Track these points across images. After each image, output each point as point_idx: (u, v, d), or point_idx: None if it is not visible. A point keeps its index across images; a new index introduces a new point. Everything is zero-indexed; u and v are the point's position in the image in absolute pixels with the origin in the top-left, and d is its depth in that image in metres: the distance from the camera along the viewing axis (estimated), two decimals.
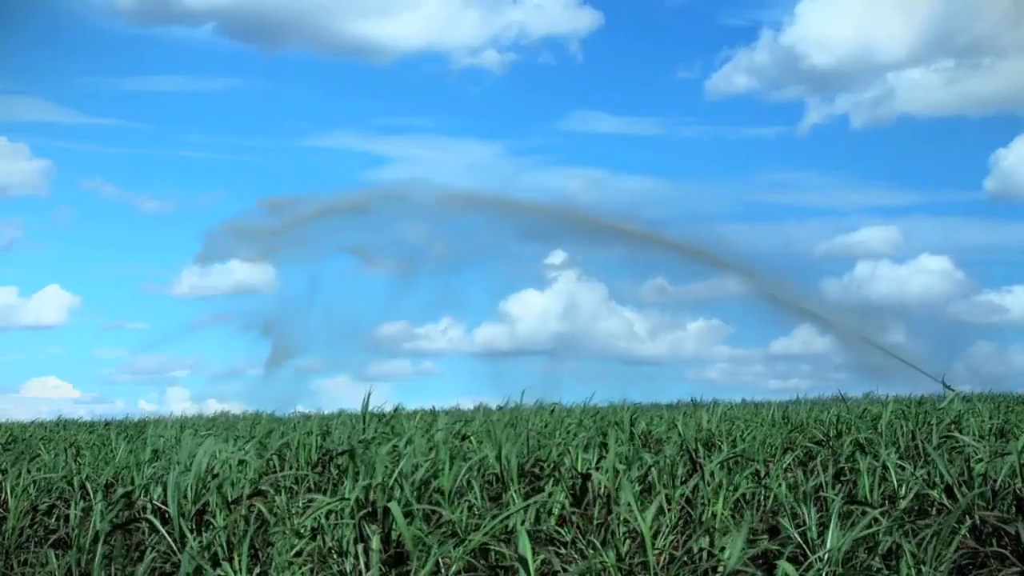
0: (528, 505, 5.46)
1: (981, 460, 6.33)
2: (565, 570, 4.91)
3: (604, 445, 8.13)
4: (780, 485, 6.25)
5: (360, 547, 4.97)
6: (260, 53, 36.26)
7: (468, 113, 37.25)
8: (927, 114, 34.34)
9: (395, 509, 4.93)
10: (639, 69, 36.21)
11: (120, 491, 6.57)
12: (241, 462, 6.99)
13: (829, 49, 32.68)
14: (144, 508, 6.10)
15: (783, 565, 3.75)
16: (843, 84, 35.36)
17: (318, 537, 5.43)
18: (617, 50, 35.46)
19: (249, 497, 6.14)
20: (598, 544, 5.09)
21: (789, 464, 7.28)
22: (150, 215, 33.90)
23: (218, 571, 4.70)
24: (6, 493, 6.92)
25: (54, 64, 35.55)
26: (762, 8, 37.29)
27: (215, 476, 6.26)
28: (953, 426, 9.22)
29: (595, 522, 5.45)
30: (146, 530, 5.78)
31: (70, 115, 35.38)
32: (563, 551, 5.18)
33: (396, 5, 34.78)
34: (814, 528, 5.02)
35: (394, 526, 5.09)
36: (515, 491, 6.08)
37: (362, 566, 4.90)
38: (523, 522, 5.18)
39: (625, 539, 5.20)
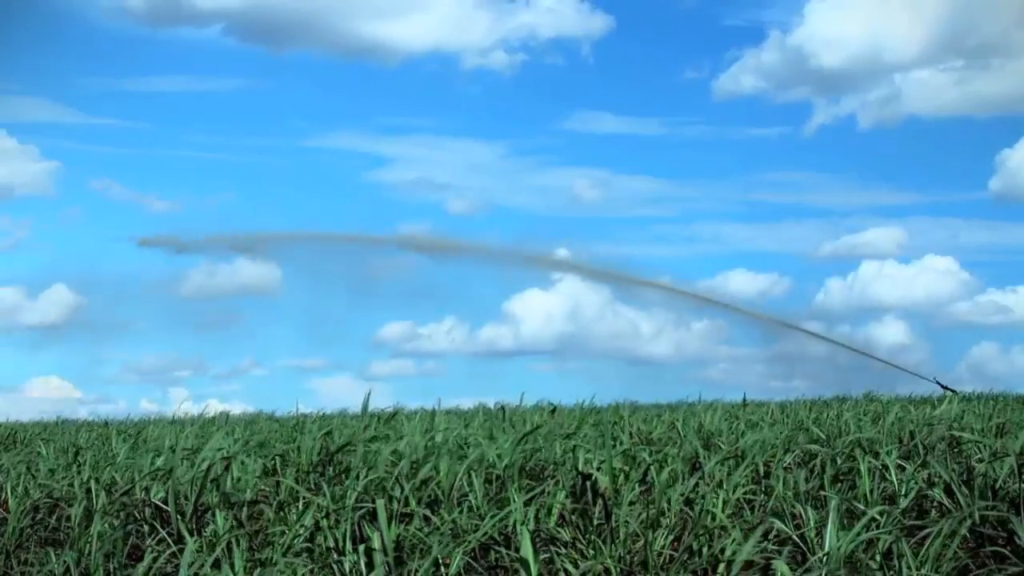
0: (528, 505, 5.46)
1: (981, 460, 6.33)
2: (567, 571, 4.91)
3: (605, 445, 8.13)
4: (780, 484, 6.26)
5: (361, 547, 4.97)
6: (268, 54, 36.31)
7: (472, 113, 37.30)
8: (934, 115, 34.34)
9: (380, 510, 4.93)
10: (648, 70, 36.27)
11: (120, 491, 6.58)
12: (242, 462, 6.99)
13: (837, 49, 32.69)
14: (144, 508, 6.10)
15: (779, 565, 3.75)
16: (851, 84, 35.43)
17: (318, 537, 5.43)
18: (627, 52, 35.50)
19: (250, 499, 6.14)
20: (599, 543, 5.09)
21: (789, 464, 7.28)
22: (158, 215, 33.93)
23: (218, 572, 4.70)
24: (6, 493, 6.93)
25: (63, 65, 35.65)
26: (771, 9, 37.29)
27: (216, 477, 6.26)
28: (955, 425, 9.22)
29: (595, 522, 5.45)
30: (146, 530, 5.78)
31: (79, 116, 35.44)
32: (563, 551, 5.18)
33: (406, 7, 34.79)
34: (813, 528, 5.03)
35: (393, 526, 5.09)
36: (515, 491, 6.08)
37: (362, 566, 4.90)
38: (523, 522, 5.18)
39: (625, 539, 5.20)
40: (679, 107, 36.57)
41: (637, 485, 6.12)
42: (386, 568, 4.90)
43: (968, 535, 5.31)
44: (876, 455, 6.65)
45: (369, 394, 9.72)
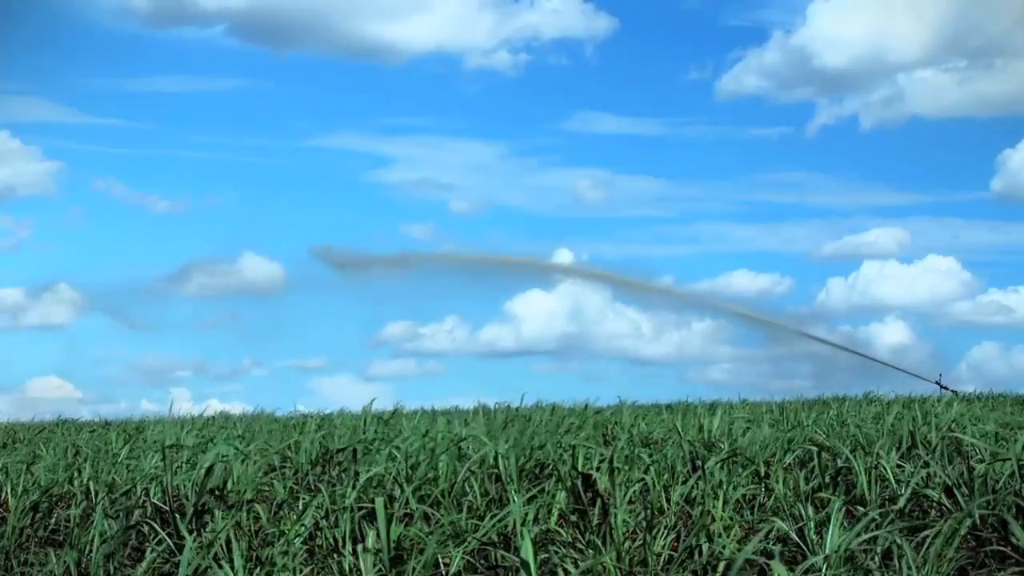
0: (527, 505, 5.46)
1: (982, 460, 6.33)
2: (566, 571, 4.91)
3: (605, 445, 8.13)
4: (779, 484, 6.26)
5: (359, 547, 4.97)
6: (271, 54, 36.37)
7: (475, 113, 37.32)
8: (937, 115, 34.36)
9: (379, 509, 4.93)
10: (651, 71, 36.30)
11: (120, 491, 6.58)
12: (243, 461, 7.00)
13: (840, 50, 32.71)
14: (144, 508, 6.10)
15: (776, 566, 3.75)
16: (853, 85, 35.41)
17: (317, 537, 5.43)
18: (630, 53, 35.50)
19: (249, 499, 6.15)
20: (598, 543, 5.09)
21: (789, 464, 7.29)
22: (160, 215, 33.97)
23: (218, 572, 4.70)
24: (6, 493, 6.93)
25: (66, 66, 35.65)
26: (774, 9, 37.30)
27: (216, 476, 6.26)
28: (954, 425, 9.22)
29: (595, 522, 5.45)
30: (146, 530, 5.78)
31: (82, 116, 35.48)
32: (562, 551, 5.18)
33: (410, 7, 34.82)
34: (812, 528, 5.03)
35: (393, 525, 5.10)
36: (514, 491, 6.08)
37: (361, 565, 4.90)
38: (523, 522, 5.18)
39: (625, 539, 5.20)
40: (681, 107, 36.61)
41: (637, 485, 6.12)
42: (384, 568, 4.91)
43: (968, 535, 5.31)
44: (876, 455, 6.65)
45: (372, 402, 9.77)
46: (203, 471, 6.01)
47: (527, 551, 4.33)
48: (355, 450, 7.21)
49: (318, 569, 5.06)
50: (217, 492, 6.04)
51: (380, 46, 34.36)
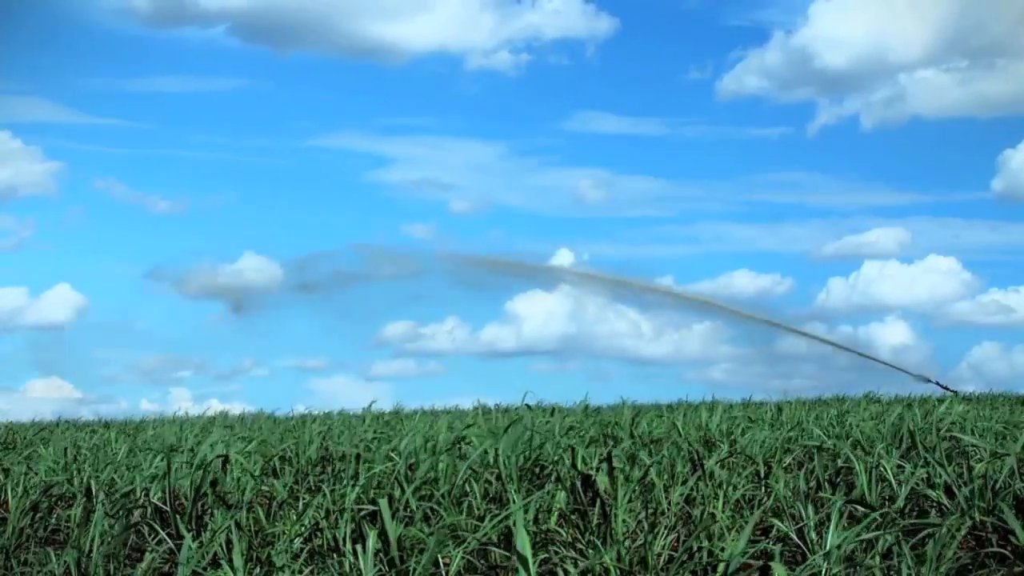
0: (527, 505, 5.45)
1: (981, 460, 6.33)
2: (566, 571, 4.91)
3: (605, 445, 8.13)
4: (779, 484, 6.26)
5: (358, 547, 4.97)
6: (272, 54, 36.40)
7: (475, 113, 37.30)
8: (937, 115, 34.37)
9: (383, 508, 4.93)
10: (652, 71, 36.26)
11: (121, 491, 6.58)
12: (241, 462, 6.99)
13: (841, 50, 32.68)
14: (144, 508, 6.10)
15: (776, 567, 3.75)
16: (854, 85, 35.35)
17: (317, 537, 5.43)
18: (632, 53, 35.48)
19: (249, 499, 6.15)
20: (598, 543, 5.09)
21: (789, 464, 7.29)
22: (161, 215, 34.04)
23: (217, 572, 4.70)
24: (6, 493, 6.93)
25: (66, 66, 35.66)
26: (775, 9, 37.29)
27: (215, 476, 6.26)
28: (954, 426, 9.23)
29: (595, 522, 5.45)
30: (146, 531, 5.79)
31: (82, 116, 35.45)
32: (562, 551, 5.18)
33: (411, 8, 34.87)
34: (812, 528, 5.03)
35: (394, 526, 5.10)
36: (515, 491, 6.08)
37: (361, 565, 4.90)
38: (523, 522, 5.18)
39: (625, 539, 5.19)
40: (682, 107, 36.58)
41: (637, 485, 6.12)
42: (384, 568, 4.90)
43: (968, 535, 5.31)
44: (876, 455, 6.65)
45: (372, 404, 9.79)
46: (203, 471, 6.01)
47: (524, 545, 4.33)
48: (355, 450, 7.20)
49: (318, 569, 5.05)
50: (217, 491, 6.04)
51: (381, 46, 34.37)
